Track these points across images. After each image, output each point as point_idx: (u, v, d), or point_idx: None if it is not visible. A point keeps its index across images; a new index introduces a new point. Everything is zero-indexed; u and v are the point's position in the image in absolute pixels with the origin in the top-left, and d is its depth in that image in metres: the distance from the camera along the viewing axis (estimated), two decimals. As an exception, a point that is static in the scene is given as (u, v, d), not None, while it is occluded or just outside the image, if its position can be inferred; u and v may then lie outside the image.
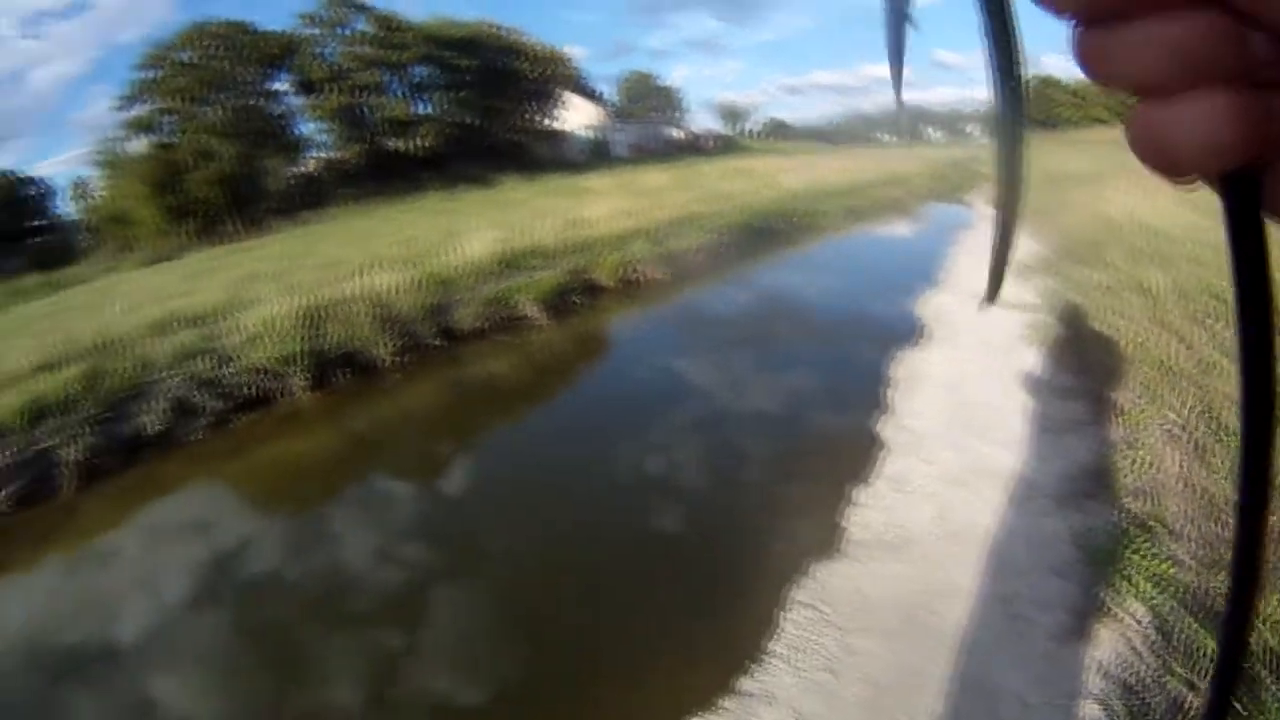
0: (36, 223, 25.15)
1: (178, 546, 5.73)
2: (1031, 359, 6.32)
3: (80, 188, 25.44)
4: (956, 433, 5.24)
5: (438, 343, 9.20)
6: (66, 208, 26.25)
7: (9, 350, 9.22)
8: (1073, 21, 0.31)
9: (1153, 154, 0.31)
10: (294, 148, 23.28)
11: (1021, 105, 0.35)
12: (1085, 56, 0.31)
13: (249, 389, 7.97)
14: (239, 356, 8.09)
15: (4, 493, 6.78)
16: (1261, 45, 0.30)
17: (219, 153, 19.89)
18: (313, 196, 19.18)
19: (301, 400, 7.98)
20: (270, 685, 3.99)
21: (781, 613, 3.66)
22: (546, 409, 7.66)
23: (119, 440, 7.41)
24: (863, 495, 4.65)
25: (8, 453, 6.99)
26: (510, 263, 11.56)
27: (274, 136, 22.59)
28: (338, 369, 8.34)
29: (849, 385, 6.78)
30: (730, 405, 6.74)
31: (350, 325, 8.71)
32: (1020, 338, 6.84)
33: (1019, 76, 0.34)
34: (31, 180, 26.39)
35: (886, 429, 5.55)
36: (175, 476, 6.94)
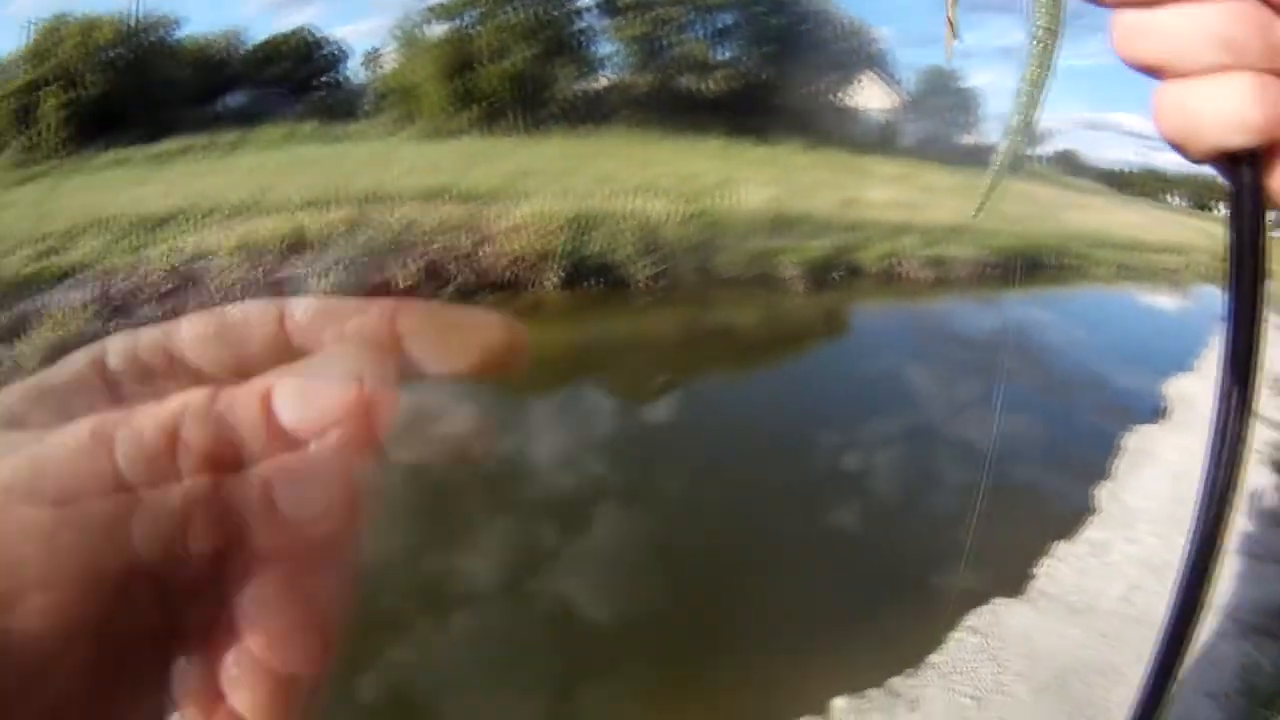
0: (324, 79, 26.35)
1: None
2: (1265, 479, 5.64)
3: (373, 57, 26.51)
4: (1168, 523, 4.88)
5: (693, 279, 8.98)
6: (356, 73, 27.49)
7: (281, 182, 9.63)
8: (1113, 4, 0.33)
9: (1179, 128, 0.32)
10: (588, 64, 23.42)
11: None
12: (1123, 37, 0.33)
13: (502, 272, 8.23)
14: (500, 242, 8.18)
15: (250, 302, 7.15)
16: None
17: (514, 52, 20.21)
18: (597, 113, 19.20)
19: (549, 295, 8.21)
20: (420, 539, 4.21)
21: (950, 631, 3.59)
22: (771, 373, 7.52)
23: (364, 285, 7.83)
24: (1060, 550, 4.42)
25: (260, 269, 7.39)
26: (780, 223, 11.26)
27: (570, 49, 22.76)
28: (591, 276, 8.32)
29: (1074, 441, 6.38)
30: (944, 426, 6.40)
31: (613, 240, 8.71)
32: (1263, 455, 6.09)
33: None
34: (327, 40, 27.60)
35: (1102, 495, 5.21)
36: None
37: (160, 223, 9.08)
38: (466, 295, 7.92)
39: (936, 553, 4.24)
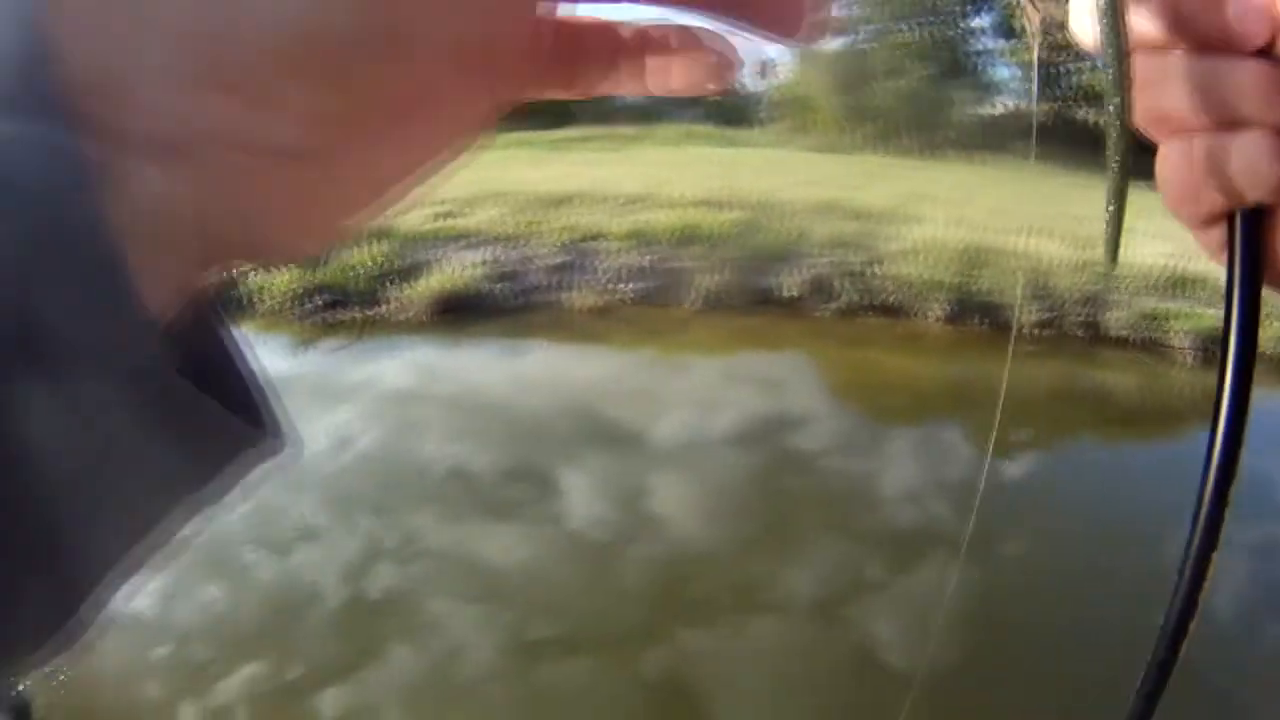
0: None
1: (730, 390, 6.32)
2: None
3: (770, 65, 27.26)
4: None
5: (1079, 334, 8.42)
6: (753, 80, 28.49)
7: (676, 178, 9.99)
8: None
9: (1190, 183, 0.33)
10: (984, 87, 22.74)
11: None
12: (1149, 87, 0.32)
13: (887, 296, 8.04)
14: (888, 264, 8.02)
15: (634, 287, 7.86)
16: None
17: (909, 70, 20.00)
18: (993, 140, 18.67)
19: (931, 327, 7.92)
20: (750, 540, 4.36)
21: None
22: (1140, 450, 6.75)
23: (749, 287, 8.04)
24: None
25: (648, 258, 7.75)
26: (1175, 283, 10.34)
27: (965, 71, 22.23)
28: (976, 314, 7.98)
29: None
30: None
31: (1002, 279, 8.26)
32: None
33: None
34: None
35: None
36: (785, 337, 7.50)
37: (557, 202, 9.63)
38: (851, 314, 7.86)
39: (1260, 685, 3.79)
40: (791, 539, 4.58)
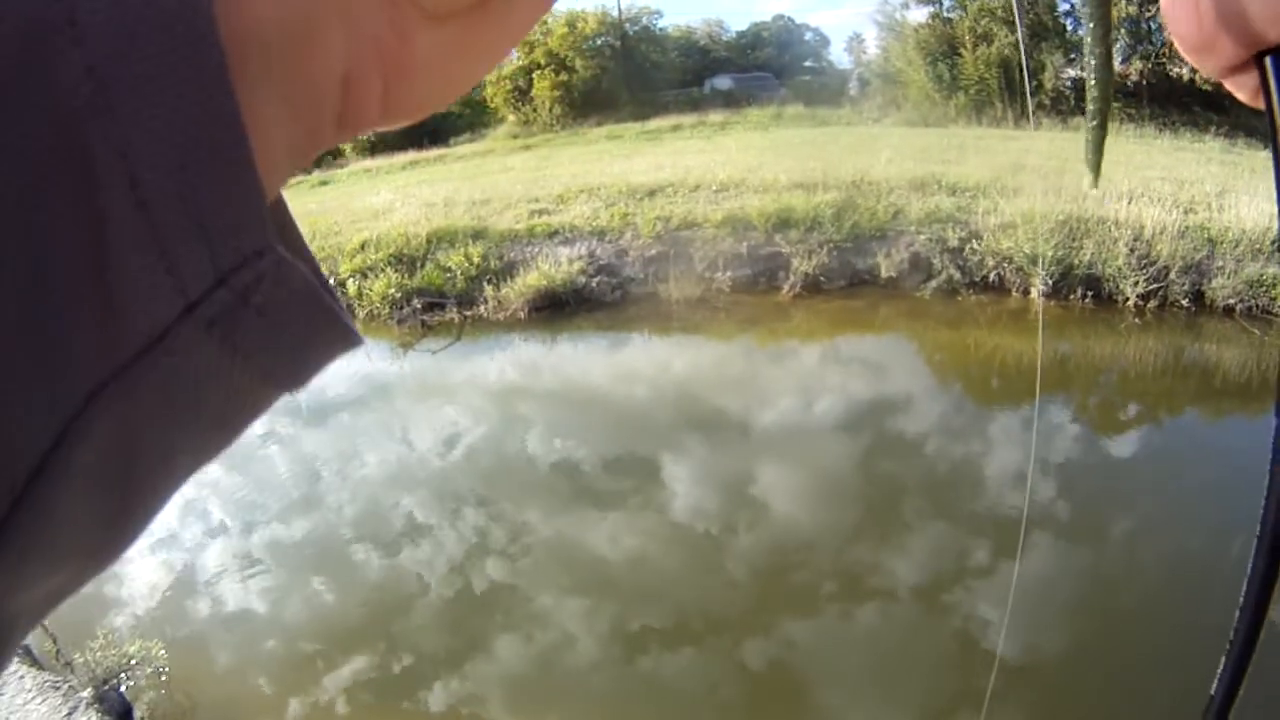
0: (807, 64, 27.11)
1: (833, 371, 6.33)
2: None
3: (856, 42, 26.87)
4: None
5: (1184, 302, 8.17)
6: (839, 57, 28.11)
7: (772, 163, 9.90)
8: None
9: (1211, 25, 0.28)
10: (1076, 49, 22.08)
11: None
12: None
13: (988, 272, 7.93)
14: (988, 239, 7.89)
15: (731, 275, 7.91)
16: None
17: (998, 36, 19.49)
18: (1082, 99, 18.21)
19: (1033, 302, 7.78)
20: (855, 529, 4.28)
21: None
22: (1249, 425, 6.40)
23: (846, 268, 8.09)
24: None
25: (745, 244, 7.71)
26: (1284, 245, 9.97)
27: (1055, 33, 21.53)
28: (1079, 287, 7.81)
29: None
30: None
31: (1105, 249, 8.06)
32: None
33: None
34: (808, 27, 28.41)
35: None
36: (885, 318, 7.48)
37: (650, 193, 9.67)
38: (950, 293, 7.78)
39: None
40: (896, 524, 4.57)
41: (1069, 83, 19.52)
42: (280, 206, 0.24)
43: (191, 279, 0.19)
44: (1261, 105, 0.29)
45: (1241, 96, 0.30)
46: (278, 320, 0.21)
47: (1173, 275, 8.36)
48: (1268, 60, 0.28)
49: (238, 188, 0.19)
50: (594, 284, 8.19)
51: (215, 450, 0.23)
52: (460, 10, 0.24)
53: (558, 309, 7.80)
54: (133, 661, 3.57)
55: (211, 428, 0.22)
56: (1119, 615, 3.86)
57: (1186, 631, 3.66)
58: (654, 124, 17.13)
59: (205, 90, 0.18)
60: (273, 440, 5.76)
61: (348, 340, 0.24)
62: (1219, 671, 0.32)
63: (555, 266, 8.28)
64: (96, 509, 0.20)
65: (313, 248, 0.26)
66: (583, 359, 7.12)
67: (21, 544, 0.19)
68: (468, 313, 7.82)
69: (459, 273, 8.13)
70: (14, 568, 0.19)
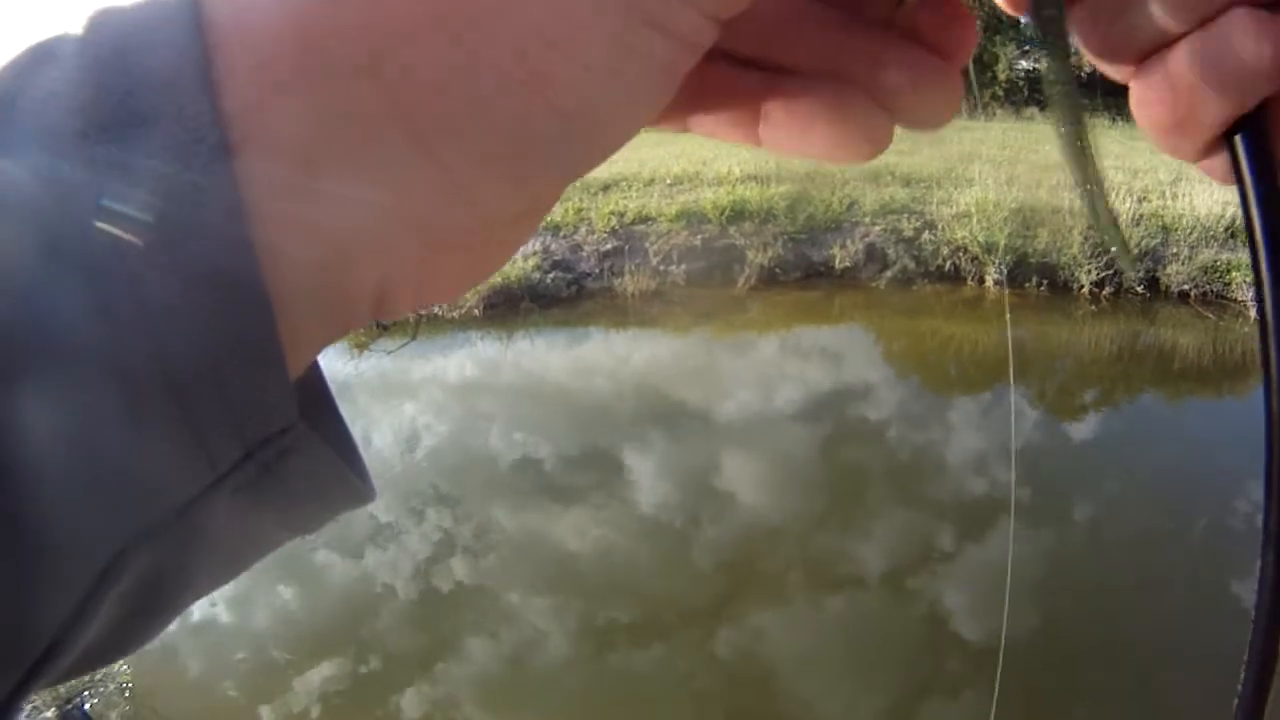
0: None
1: (791, 362, 6.43)
2: None
3: None
4: None
5: (1139, 290, 8.29)
6: None
7: (726, 156, 9.98)
8: None
9: (1174, 113, 0.27)
10: (1028, 40, 22.47)
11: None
12: (1098, 12, 0.27)
13: (942, 262, 8.00)
14: (943, 228, 7.96)
15: (686, 268, 8.01)
16: None
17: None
18: (1040, 94, 18.47)
19: (989, 291, 7.86)
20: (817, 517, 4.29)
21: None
22: (1205, 407, 6.63)
23: (802, 260, 8.11)
24: None
25: (699, 237, 7.75)
26: (1236, 233, 10.16)
27: (1009, 25, 21.86)
28: (1034, 275, 7.92)
29: None
30: None
31: (1059, 237, 8.17)
32: None
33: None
34: None
35: None
36: (841, 309, 7.59)
37: (604, 188, 9.65)
38: (905, 283, 7.84)
39: None
40: (859, 512, 4.59)
41: (1022, 74, 19.83)
42: (313, 372, 0.27)
43: (222, 457, 0.22)
44: (1234, 184, 0.28)
45: (1216, 179, 0.29)
46: (298, 487, 0.24)
47: (1125, 263, 8.50)
48: (1237, 138, 0.27)
49: (269, 382, 0.22)
50: (549, 279, 8.14)
51: (225, 581, 0.27)
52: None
53: (512, 305, 7.75)
54: (95, 678, 3.51)
55: (226, 565, 0.26)
56: (1081, 591, 3.91)
57: (1141, 600, 3.72)
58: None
59: (243, 316, 0.21)
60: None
61: (362, 498, 0.27)
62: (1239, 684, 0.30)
63: (509, 263, 8.23)
64: (110, 634, 0.23)
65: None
66: (542, 354, 7.09)
67: (44, 671, 0.21)
68: (422, 312, 7.76)
69: (411, 272, 8.08)
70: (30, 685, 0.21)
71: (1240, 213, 0.27)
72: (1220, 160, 0.27)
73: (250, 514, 0.24)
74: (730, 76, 0.29)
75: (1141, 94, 0.28)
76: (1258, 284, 0.28)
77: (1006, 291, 7.68)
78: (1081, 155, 0.31)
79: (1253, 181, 0.27)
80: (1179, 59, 0.26)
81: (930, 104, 0.29)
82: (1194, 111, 0.26)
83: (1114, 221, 0.34)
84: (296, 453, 0.23)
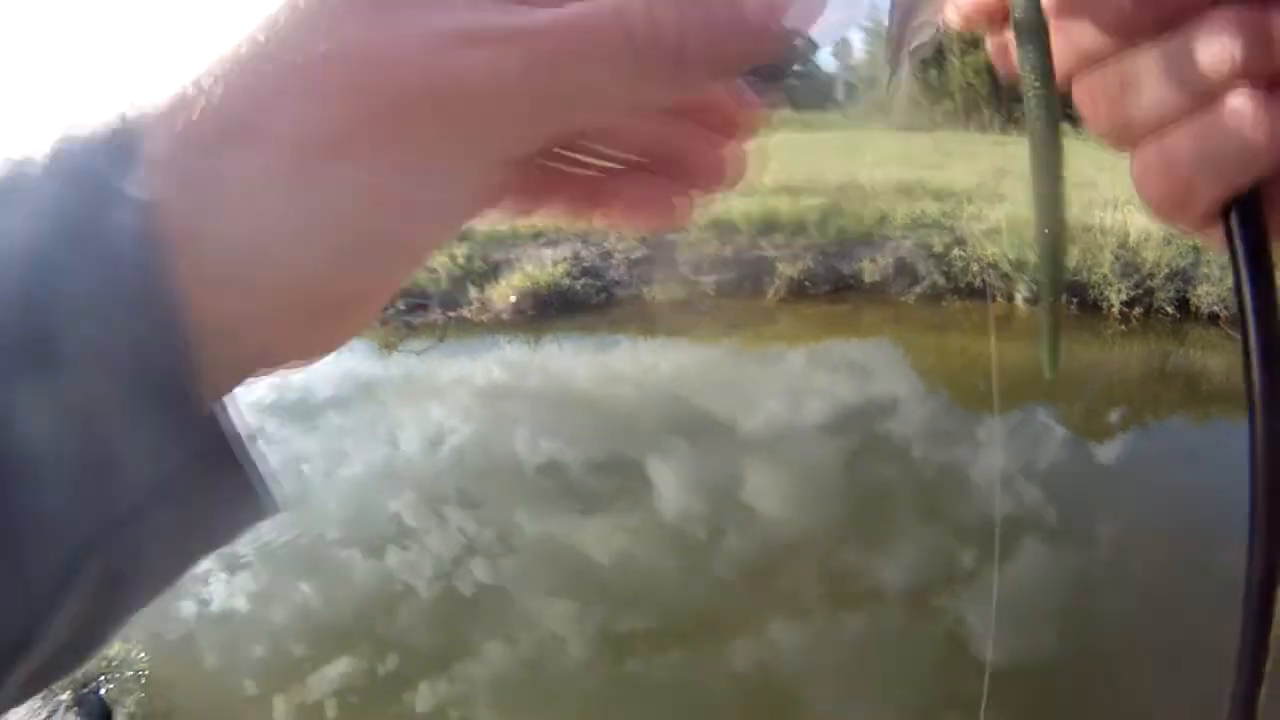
0: (795, 68, 27.41)
1: (819, 375, 6.38)
2: None
3: (842, 46, 27.07)
4: None
5: (1169, 310, 8.19)
6: (827, 61, 28.33)
7: (757, 167, 9.97)
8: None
9: (1173, 189, 0.28)
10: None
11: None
12: (1097, 94, 0.29)
13: (973, 278, 7.94)
14: (974, 245, 7.92)
15: (716, 278, 8.02)
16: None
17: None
18: (1070, 109, 18.49)
19: (1017, 309, 7.74)
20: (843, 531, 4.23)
21: None
22: (1235, 431, 6.44)
23: (831, 273, 8.07)
24: None
25: (730, 248, 7.74)
26: (1270, 256, 10.07)
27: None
28: (1063, 294, 7.85)
29: None
30: None
31: (1089, 256, 8.08)
32: None
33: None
34: (797, 33, 29.02)
35: None
36: (870, 323, 7.52)
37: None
38: (935, 298, 7.80)
39: None
40: (882, 528, 4.56)
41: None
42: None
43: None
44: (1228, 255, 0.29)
45: (1213, 249, 0.30)
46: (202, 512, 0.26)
47: (1158, 282, 8.39)
48: (1232, 216, 0.28)
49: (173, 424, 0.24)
50: (578, 286, 8.16)
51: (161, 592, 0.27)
52: None
53: (542, 311, 7.77)
54: (112, 664, 3.55)
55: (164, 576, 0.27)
56: (1104, 615, 3.86)
57: (1173, 636, 3.67)
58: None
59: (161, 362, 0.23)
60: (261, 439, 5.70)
61: (267, 511, 0.28)
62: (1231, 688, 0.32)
63: (540, 268, 8.25)
64: (73, 635, 0.24)
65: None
66: (569, 360, 7.10)
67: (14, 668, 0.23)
68: (451, 314, 7.78)
69: (443, 273, 8.09)
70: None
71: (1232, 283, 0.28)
72: (1217, 231, 0.29)
73: (177, 529, 0.25)
74: (559, 178, 0.33)
75: (1141, 172, 0.29)
76: (1245, 356, 0.28)
77: (1030, 310, 7.61)
78: (1051, 197, 0.32)
79: (1245, 259, 0.28)
80: (1178, 141, 0.27)
81: (718, 177, 0.36)
82: (1192, 192, 0.28)
83: (1060, 266, 0.36)
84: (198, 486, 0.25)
